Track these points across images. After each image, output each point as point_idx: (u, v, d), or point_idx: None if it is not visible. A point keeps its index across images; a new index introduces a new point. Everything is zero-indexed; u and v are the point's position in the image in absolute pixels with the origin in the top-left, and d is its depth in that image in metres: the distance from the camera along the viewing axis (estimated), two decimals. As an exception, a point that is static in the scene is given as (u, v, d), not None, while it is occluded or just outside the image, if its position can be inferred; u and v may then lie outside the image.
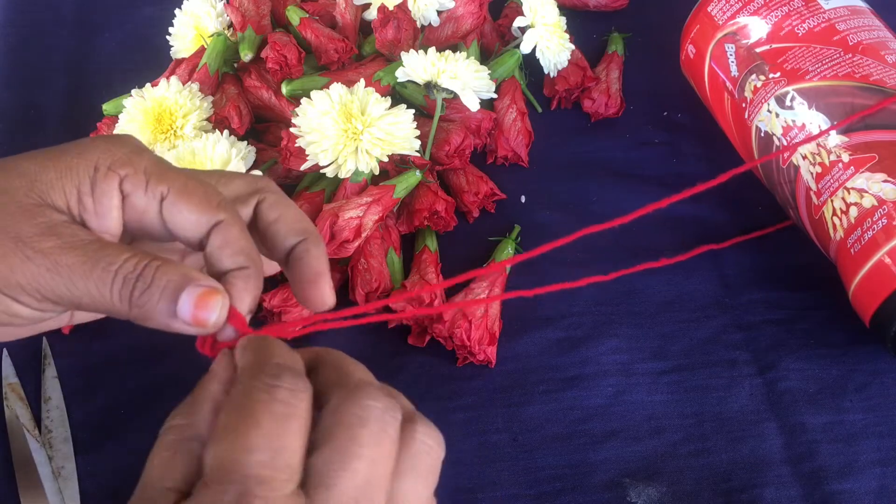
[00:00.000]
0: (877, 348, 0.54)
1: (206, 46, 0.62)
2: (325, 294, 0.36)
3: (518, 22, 0.64)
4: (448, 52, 0.60)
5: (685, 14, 0.63)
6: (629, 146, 0.65)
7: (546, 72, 0.65)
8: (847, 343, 0.55)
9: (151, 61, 0.66)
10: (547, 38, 0.63)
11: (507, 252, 0.57)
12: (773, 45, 0.57)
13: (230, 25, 0.64)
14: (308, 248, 0.36)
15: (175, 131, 0.57)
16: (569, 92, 0.66)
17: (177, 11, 0.65)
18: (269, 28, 0.64)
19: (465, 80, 0.58)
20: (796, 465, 0.51)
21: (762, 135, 0.57)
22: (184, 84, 0.59)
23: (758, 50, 0.57)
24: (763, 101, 0.56)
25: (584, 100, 0.66)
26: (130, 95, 0.58)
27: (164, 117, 0.57)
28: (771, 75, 0.56)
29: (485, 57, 0.66)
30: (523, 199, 0.61)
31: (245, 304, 0.34)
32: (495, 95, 0.62)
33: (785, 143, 0.55)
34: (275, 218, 0.37)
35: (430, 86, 0.59)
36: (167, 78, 0.59)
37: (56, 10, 0.72)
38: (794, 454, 0.51)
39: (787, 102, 0.55)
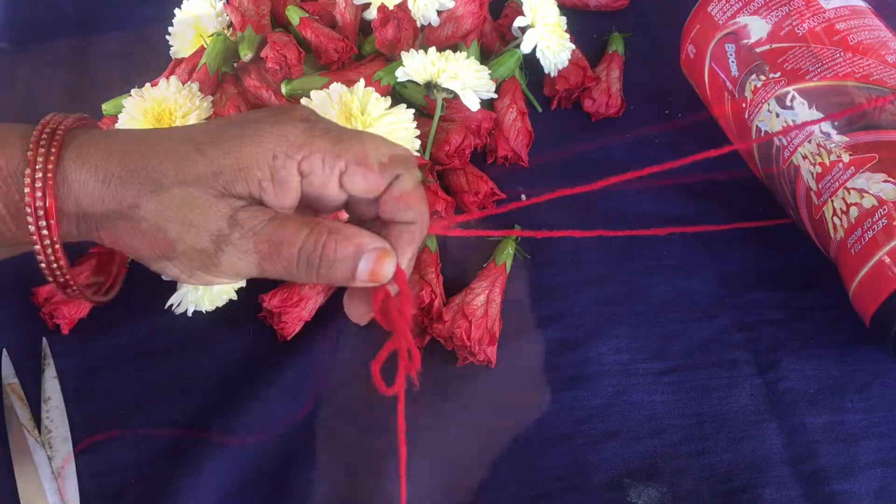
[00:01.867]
0: (877, 349, 0.54)
1: (205, 46, 0.62)
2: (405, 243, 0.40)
3: (518, 22, 0.64)
4: (448, 51, 0.59)
5: (685, 14, 0.63)
6: (629, 146, 0.65)
7: (546, 71, 0.65)
8: (847, 343, 0.55)
9: (151, 61, 0.66)
10: (547, 37, 0.63)
11: (507, 252, 0.57)
12: (774, 45, 0.57)
13: (230, 25, 0.64)
14: (413, 231, 0.40)
15: (175, 131, 0.57)
16: (569, 92, 0.66)
17: (177, 11, 0.65)
18: (269, 28, 0.64)
19: (466, 79, 0.58)
20: (796, 466, 0.51)
21: (762, 135, 0.57)
22: (183, 84, 0.59)
23: (758, 50, 0.57)
24: (763, 101, 0.56)
25: (585, 99, 0.65)
26: (130, 95, 0.58)
27: (163, 117, 0.57)
28: (771, 75, 0.56)
29: (485, 57, 0.66)
30: (524, 196, 0.61)
31: (405, 258, 0.39)
32: (495, 95, 0.62)
33: (785, 143, 0.55)
34: (397, 198, 0.39)
35: (430, 86, 0.59)
36: (167, 78, 0.59)
37: (56, 10, 0.72)
38: (794, 454, 0.51)
39: (788, 102, 0.55)
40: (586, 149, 0.65)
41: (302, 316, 0.53)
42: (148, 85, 0.60)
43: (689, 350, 0.55)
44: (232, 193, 0.37)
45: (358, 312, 0.41)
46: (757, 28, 0.58)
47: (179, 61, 0.64)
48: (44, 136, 0.38)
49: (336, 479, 0.49)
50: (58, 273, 0.40)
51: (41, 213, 0.37)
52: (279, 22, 0.66)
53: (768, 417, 0.52)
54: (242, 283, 0.54)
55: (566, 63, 0.65)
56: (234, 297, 0.54)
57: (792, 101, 0.55)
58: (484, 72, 0.60)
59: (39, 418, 0.51)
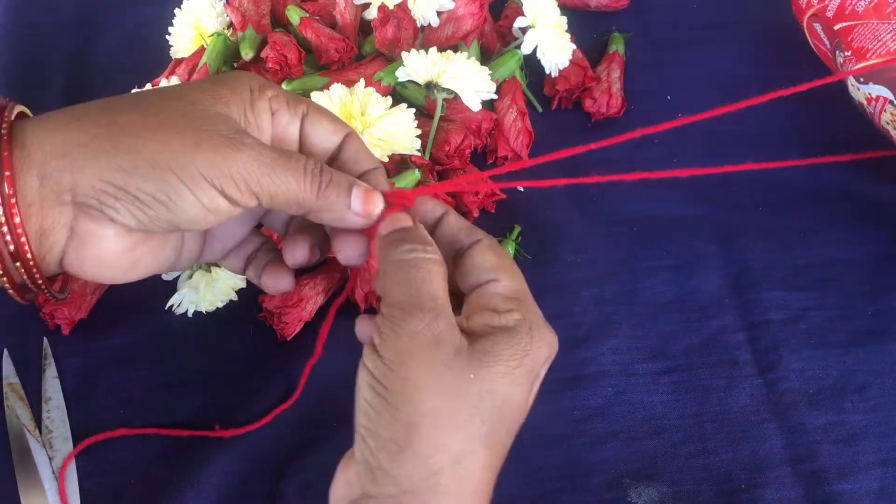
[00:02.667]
0: (877, 349, 0.54)
1: (205, 46, 0.62)
2: (380, 184, 0.41)
3: (519, 22, 0.64)
4: (449, 52, 0.59)
5: (685, 13, 0.63)
6: (629, 146, 0.64)
7: (547, 72, 0.65)
8: (847, 344, 0.55)
9: (151, 61, 0.66)
10: (548, 38, 0.63)
11: (507, 252, 0.57)
12: (843, 24, 0.59)
13: (230, 25, 0.64)
14: (377, 180, 0.41)
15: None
16: (569, 92, 0.66)
17: (177, 11, 0.65)
18: (269, 28, 0.64)
19: (466, 80, 0.58)
20: (797, 466, 0.51)
21: (857, 103, 0.61)
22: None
23: (835, 27, 0.60)
24: (846, 75, 0.60)
25: (586, 99, 0.65)
26: (130, 95, 0.58)
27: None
28: (846, 53, 0.58)
29: (485, 57, 0.66)
30: (521, 188, 0.61)
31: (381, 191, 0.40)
32: (496, 96, 0.62)
33: (871, 111, 0.59)
34: (354, 151, 0.42)
35: (430, 86, 0.59)
36: (167, 77, 0.59)
37: (56, 10, 0.72)
38: (794, 454, 0.51)
39: (861, 78, 0.58)
40: (586, 149, 0.65)
41: (302, 316, 0.53)
42: (148, 85, 0.60)
43: (689, 350, 0.55)
44: (229, 114, 0.38)
45: (346, 255, 0.41)
46: (832, 7, 0.60)
47: (179, 61, 0.64)
48: None
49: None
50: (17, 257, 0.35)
51: None
52: (279, 22, 0.66)
53: (768, 417, 0.52)
54: (243, 284, 0.54)
55: (567, 63, 0.65)
56: (235, 297, 0.55)
57: (861, 78, 0.58)
58: (484, 72, 0.60)
59: (40, 418, 0.51)
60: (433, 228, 0.41)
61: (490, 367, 0.35)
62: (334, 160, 0.41)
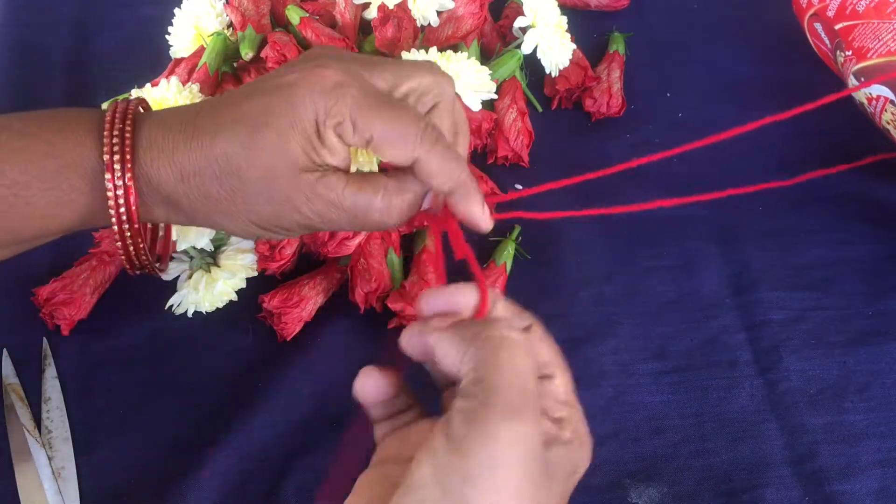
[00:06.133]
0: (877, 349, 0.54)
1: (205, 46, 0.62)
2: (481, 224, 0.41)
3: (519, 22, 0.64)
4: (449, 51, 0.59)
5: (686, 13, 0.63)
6: (629, 146, 0.65)
7: (547, 72, 0.65)
8: (848, 344, 0.55)
9: (151, 61, 0.66)
10: (548, 38, 0.63)
11: (507, 252, 0.57)
12: (843, 24, 0.59)
13: (230, 25, 0.64)
14: (456, 201, 0.41)
15: (175, 131, 0.57)
16: (570, 91, 0.66)
17: (176, 11, 0.65)
18: (269, 27, 0.64)
19: (466, 80, 0.58)
20: (797, 466, 0.51)
21: (857, 103, 0.60)
22: (184, 84, 0.59)
23: (836, 27, 0.60)
24: (847, 74, 0.60)
25: (586, 99, 0.65)
26: (130, 95, 0.58)
27: (164, 117, 0.57)
28: (846, 53, 0.59)
29: (486, 57, 0.66)
30: (519, 186, 0.61)
31: (474, 211, 0.40)
32: (496, 96, 0.62)
33: (871, 110, 0.59)
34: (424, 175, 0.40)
35: (430, 86, 0.59)
36: (167, 78, 0.59)
37: (55, 10, 0.72)
38: (794, 455, 0.51)
39: (862, 78, 0.58)
40: (586, 149, 0.65)
41: (302, 316, 0.53)
42: (148, 85, 0.60)
43: (690, 350, 0.55)
44: (301, 167, 0.39)
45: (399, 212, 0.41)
46: (832, 6, 0.61)
47: (179, 61, 0.64)
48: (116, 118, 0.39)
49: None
50: (131, 247, 0.40)
51: (120, 191, 0.38)
52: (279, 22, 0.66)
53: (769, 418, 0.52)
54: (243, 284, 0.54)
55: (567, 63, 0.65)
56: (235, 297, 0.54)
57: (862, 76, 0.58)
58: (484, 72, 0.60)
59: (40, 418, 0.51)
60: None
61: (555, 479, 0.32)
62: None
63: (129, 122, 0.39)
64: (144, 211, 0.40)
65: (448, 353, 0.33)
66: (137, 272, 0.43)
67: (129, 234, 0.40)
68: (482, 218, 0.40)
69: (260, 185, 0.39)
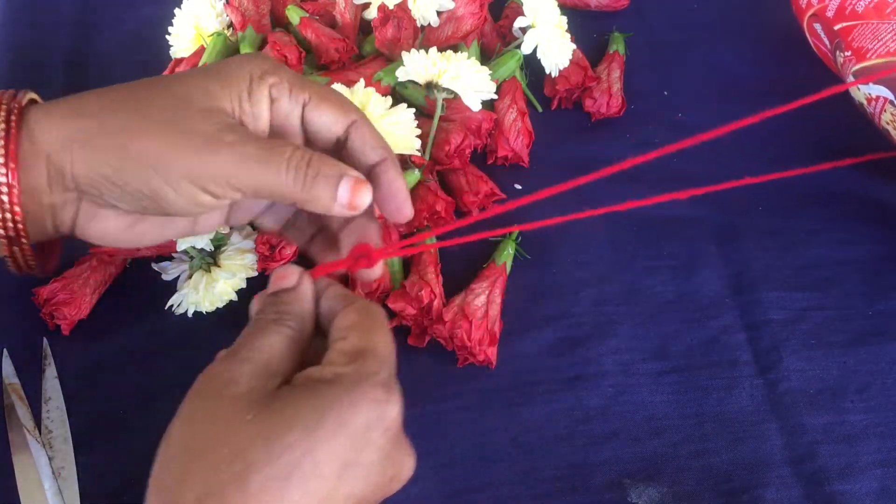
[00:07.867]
0: (877, 349, 0.54)
1: (205, 46, 0.62)
2: (404, 207, 0.41)
3: (519, 22, 0.64)
4: (449, 52, 0.59)
5: (686, 14, 0.63)
6: (629, 146, 0.65)
7: (547, 72, 0.65)
8: (848, 344, 0.55)
9: (151, 61, 0.66)
10: (548, 38, 0.63)
11: (507, 252, 0.57)
12: (843, 24, 0.59)
13: (230, 25, 0.64)
14: (387, 169, 0.41)
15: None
16: (570, 92, 0.66)
17: (176, 11, 0.65)
18: (269, 27, 0.64)
19: (467, 80, 0.58)
20: (797, 466, 0.51)
21: (856, 103, 0.60)
22: (184, 84, 0.59)
23: (835, 27, 0.60)
24: (847, 74, 0.59)
25: (586, 99, 0.65)
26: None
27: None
28: (846, 53, 0.58)
29: (486, 57, 0.66)
30: (519, 186, 0.61)
31: (401, 189, 0.41)
32: (496, 96, 0.62)
33: (871, 111, 0.59)
34: (360, 140, 0.41)
35: (430, 86, 0.59)
36: (167, 78, 0.59)
37: (55, 10, 0.72)
38: (794, 455, 0.51)
39: (861, 78, 0.58)
40: (586, 149, 0.65)
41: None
42: (148, 85, 0.60)
43: (690, 350, 0.55)
44: (219, 108, 0.38)
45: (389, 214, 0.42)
46: (832, 7, 0.60)
47: (179, 61, 0.64)
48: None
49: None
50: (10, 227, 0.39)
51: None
52: (279, 22, 0.66)
53: (769, 418, 0.52)
54: (243, 284, 0.54)
55: (567, 63, 0.65)
56: (235, 297, 0.54)
57: (862, 76, 0.58)
58: (484, 72, 0.60)
59: (40, 418, 0.51)
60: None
61: (281, 413, 0.34)
62: (342, 149, 0.41)
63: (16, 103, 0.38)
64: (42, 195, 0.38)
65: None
66: (24, 271, 0.41)
67: (12, 224, 0.38)
68: (406, 197, 0.41)
69: (169, 111, 0.38)
